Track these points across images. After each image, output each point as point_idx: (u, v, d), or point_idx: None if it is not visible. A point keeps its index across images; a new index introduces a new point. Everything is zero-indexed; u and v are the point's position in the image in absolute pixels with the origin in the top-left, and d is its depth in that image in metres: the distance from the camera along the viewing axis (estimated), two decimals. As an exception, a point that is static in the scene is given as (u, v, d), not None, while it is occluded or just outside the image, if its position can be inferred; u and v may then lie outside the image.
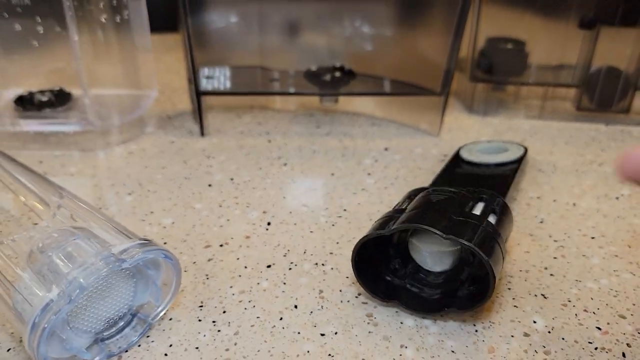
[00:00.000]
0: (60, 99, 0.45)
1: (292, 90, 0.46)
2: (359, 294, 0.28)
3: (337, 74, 0.45)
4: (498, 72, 0.50)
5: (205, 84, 0.45)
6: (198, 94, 0.44)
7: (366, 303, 0.28)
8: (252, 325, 0.26)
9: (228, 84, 0.46)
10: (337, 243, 0.32)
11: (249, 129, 0.47)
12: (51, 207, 0.27)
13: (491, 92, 0.50)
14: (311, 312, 0.27)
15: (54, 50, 0.43)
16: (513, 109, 0.51)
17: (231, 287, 0.29)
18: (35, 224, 0.31)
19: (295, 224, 0.34)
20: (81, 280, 0.21)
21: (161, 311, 0.25)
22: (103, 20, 0.40)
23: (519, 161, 0.38)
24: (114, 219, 0.33)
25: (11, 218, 0.35)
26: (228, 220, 0.35)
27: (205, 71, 0.46)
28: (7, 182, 0.32)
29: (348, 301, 0.28)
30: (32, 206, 0.31)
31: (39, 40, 0.41)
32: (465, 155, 0.39)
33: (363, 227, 0.34)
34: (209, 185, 0.38)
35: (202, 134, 0.45)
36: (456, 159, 0.39)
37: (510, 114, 0.50)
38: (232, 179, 0.39)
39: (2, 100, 0.44)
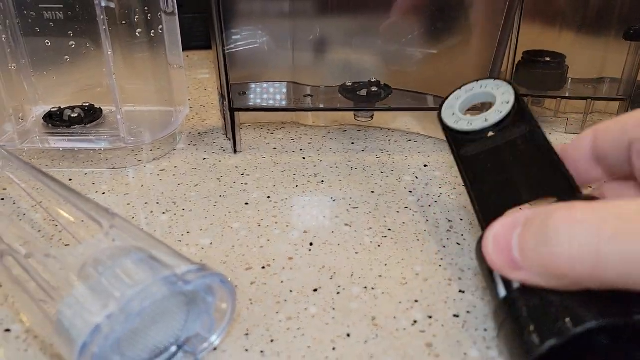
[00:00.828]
0: (89, 115, 0.44)
1: (326, 105, 0.45)
2: (415, 322, 0.27)
3: (374, 88, 0.44)
4: (536, 85, 0.48)
5: (238, 101, 0.44)
6: (231, 110, 0.42)
7: (424, 332, 0.26)
8: (303, 356, 0.25)
9: (260, 100, 0.45)
10: (385, 265, 0.31)
11: (282, 146, 0.45)
12: (104, 226, 0.26)
13: (530, 106, 0.48)
14: (365, 341, 0.25)
15: (84, 66, 0.42)
16: (553, 123, 0.49)
17: (277, 312, 0.27)
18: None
19: (339, 244, 0.33)
20: (139, 300, 0.20)
21: (213, 342, 0.24)
22: (137, 34, 0.39)
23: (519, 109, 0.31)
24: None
25: (61, 234, 0.33)
26: (268, 240, 0.33)
27: (236, 88, 0.45)
28: (54, 201, 0.31)
29: (404, 329, 0.26)
30: (83, 225, 0.30)
31: (70, 56, 0.40)
32: (450, 121, 0.32)
33: (411, 248, 0.32)
34: (246, 204, 0.37)
35: (235, 151, 0.44)
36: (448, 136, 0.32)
37: (549, 128, 0.48)
38: (269, 197, 0.38)
39: (31, 116, 0.44)
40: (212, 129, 0.49)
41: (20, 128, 0.42)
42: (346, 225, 0.35)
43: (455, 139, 0.31)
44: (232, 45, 0.43)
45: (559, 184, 0.27)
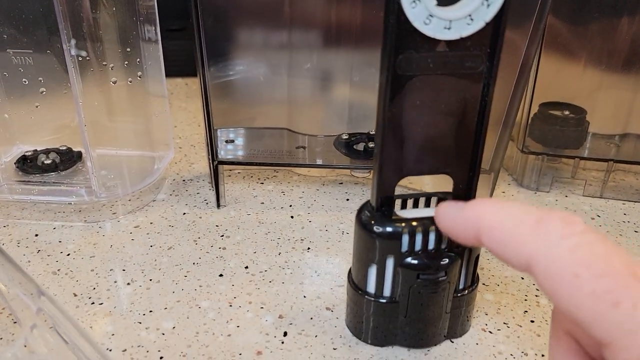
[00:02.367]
0: (65, 161, 0.41)
1: (319, 161, 0.41)
2: None
3: (372, 144, 0.40)
4: (553, 142, 0.44)
5: (224, 151, 0.40)
6: (215, 163, 0.39)
7: None
8: None
9: (250, 150, 0.41)
10: (365, 368, 0.27)
11: (271, 200, 0.42)
12: (23, 327, 0.23)
13: (544, 164, 0.44)
14: None
15: (61, 105, 0.39)
16: (570, 184, 0.45)
17: None
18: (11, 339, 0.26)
19: (316, 335, 0.29)
20: None
21: None
22: (112, 83, 0.36)
23: None
24: (108, 316, 0.29)
25: None
26: (238, 326, 0.30)
27: (224, 134, 0.42)
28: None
29: None
30: (10, 310, 0.27)
31: (40, 102, 0.37)
32: (412, 15, 0.22)
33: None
34: (220, 275, 0.33)
35: (218, 205, 0.41)
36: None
37: (566, 190, 0.44)
38: (246, 268, 0.34)
39: (3, 159, 0.41)
40: (198, 176, 0.46)
41: (-9, 171, 0.39)
42: (328, 309, 0.31)
43: (400, 41, 0.23)
44: (222, 80, 0.39)
45: (460, 167, 0.26)
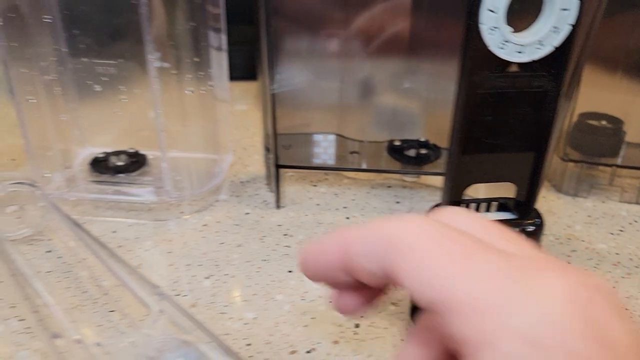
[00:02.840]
0: (134, 163, 0.44)
1: (372, 164, 0.44)
2: None
3: (423, 150, 0.43)
4: (590, 151, 0.46)
5: (282, 155, 0.43)
6: (277, 167, 0.42)
7: None
8: None
9: (306, 155, 0.44)
10: (434, 357, 0.30)
11: (326, 202, 0.45)
12: (152, 310, 0.26)
13: (583, 171, 0.46)
14: None
15: (131, 109, 0.42)
16: (607, 190, 0.47)
17: (323, 410, 0.27)
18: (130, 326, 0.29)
19: (385, 328, 0.32)
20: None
21: None
22: (185, 92, 0.39)
23: None
24: (194, 307, 0.31)
25: (106, 297, 0.33)
26: (313, 318, 0.32)
27: (281, 139, 0.44)
28: (101, 272, 0.30)
29: None
30: (131, 305, 0.30)
31: (121, 106, 0.40)
32: (490, 40, 0.25)
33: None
34: (289, 271, 0.36)
35: (278, 206, 0.43)
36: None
37: (604, 196, 0.47)
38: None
39: (77, 161, 0.44)
40: (254, 178, 0.48)
41: (67, 174, 0.42)
42: (393, 304, 0.34)
43: (477, 63, 0.26)
44: (279, 87, 0.42)
45: (524, 175, 0.29)
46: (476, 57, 0.26)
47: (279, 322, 0.32)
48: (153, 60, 0.36)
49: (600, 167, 0.47)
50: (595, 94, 0.46)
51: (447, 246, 0.15)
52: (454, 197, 0.29)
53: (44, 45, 0.38)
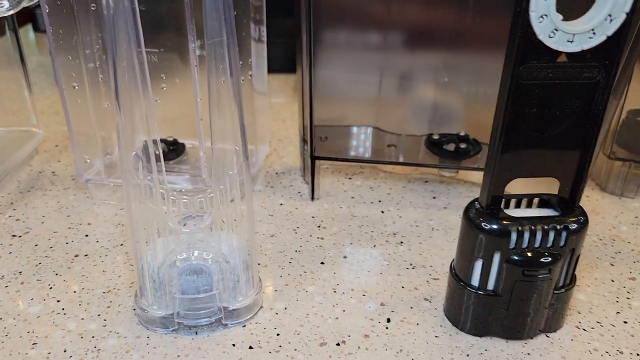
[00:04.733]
0: (173, 151, 0.44)
1: (410, 157, 0.43)
2: None
3: (462, 145, 0.42)
4: (639, 149, 0.44)
5: (318, 147, 0.43)
6: (312, 158, 0.42)
7: None
8: None
9: (342, 147, 0.43)
10: (468, 355, 0.29)
11: (361, 195, 0.44)
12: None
13: (631, 171, 0.44)
14: None
15: (170, 98, 0.42)
16: (655, 191, 0.45)
17: (352, 403, 0.26)
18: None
19: (417, 324, 0.31)
20: None
21: None
22: (222, 82, 0.39)
23: None
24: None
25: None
26: (343, 311, 0.32)
27: (318, 130, 0.44)
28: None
29: None
30: None
31: (162, 95, 0.41)
32: (539, 29, 0.24)
33: (497, 337, 0.30)
34: (322, 263, 0.36)
35: (312, 198, 0.43)
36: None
37: (652, 197, 0.45)
38: (345, 257, 0.37)
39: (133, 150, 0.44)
40: (289, 169, 0.48)
41: (107, 161, 0.43)
42: (426, 300, 0.33)
43: (525, 52, 0.25)
44: (318, 79, 0.42)
45: (568, 171, 0.28)
46: (524, 46, 0.25)
47: (309, 314, 0.32)
48: (194, 48, 0.36)
49: (650, 167, 0.45)
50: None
51: None
52: (494, 192, 0.28)
53: (89, 33, 0.38)
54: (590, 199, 0.44)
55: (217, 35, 0.26)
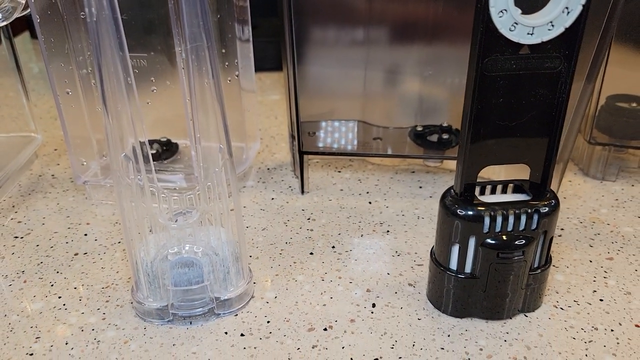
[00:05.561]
0: (166, 151, 0.46)
1: (395, 149, 0.44)
2: (476, 407, 0.26)
3: (445, 135, 0.43)
4: (619, 134, 0.45)
5: (306, 142, 0.44)
6: (301, 153, 0.43)
7: (485, 420, 0.26)
8: None
9: (330, 141, 0.45)
10: (448, 336, 0.30)
11: (349, 187, 0.46)
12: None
13: (611, 154, 0.46)
14: None
15: (161, 100, 0.44)
16: (636, 174, 0.46)
17: (337, 383, 0.28)
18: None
19: (401, 308, 0.33)
20: None
21: None
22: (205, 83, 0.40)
23: None
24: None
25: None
26: (331, 298, 0.33)
27: (306, 126, 0.46)
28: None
29: (465, 416, 0.26)
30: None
31: (152, 97, 0.42)
32: (499, 23, 0.25)
33: (475, 318, 0.32)
34: (311, 254, 0.37)
35: (302, 191, 0.45)
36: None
37: (632, 180, 0.46)
38: (333, 247, 0.38)
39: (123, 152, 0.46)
40: (280, 165, 0.50)
41: (103, 162, 0.44)
42: (410, 285, 0.34)
43: (487, 46, 0.26)
44: (303, 76, 0.43)
45: (537, 157, 0.29)
46: (487, 40, 0.26)
47: (298, 302, 0.33)
48: (180, 52, 0.37)
49: (630, 150, 0.47)
50: (626, 75, 0.45)
51: None
52: (467, 180, 0.29)
53: (79, 41, 0.40)
54: (573, 184, 0.46)
55: (197, 40, 0.27)
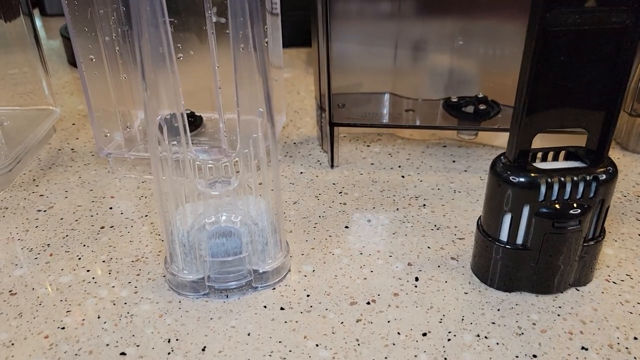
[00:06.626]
0: (191, 124, 0.44)
1: (427, 121, 0.43)
2: (536, 382, 0.25)
3: (482, 106, 0.41)
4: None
5: (336, 115, 0.42)
6: (331, 125, 0.41)
7: (547, 396, 0.24)
8: (416, 411, 0.24)
9: (360, 114, 0.43)
10: (498, 310, 0.29)
11: (380, 161, 0.44)
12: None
13: (651, 129, 0.44)
14: (483, 400, 0.24)
15: (186, 72, 0.42)
16: (677, 148, 0.45)
17: (386, 358, 0.26)
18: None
19: (446, 281, 0.31)
20: None
21: None
22: (240, 49, 0.39)
23: None
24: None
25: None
26: (371, 271, 0.32)
27: (335, 98, 0.44)
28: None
29: (525, 391, 0.24)
30: None
31: (178, 65, 0.41)
32: None
33: (526, 292, 0.30)
34: (346, 227, 0.36)
35: (332, 165, 0.43)
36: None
37: (674, 154, 0.44)
38: (369, 221, 0.37)
39: (136, 123, 0.44)
40: (307, 139, 0.48)
41: (127, 134, 0.43)
42: (453, 259, 0.33)
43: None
44: (334, 49, 0.41)
45: (596, 121, 0.27)
46: None
47: (337, 275, 0.32)
48: (210, 15, 0.36)
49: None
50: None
51: None
52: (522, 146, 0.28)
53: (104, 5, 0.38)
54: (611, 157, 0.44)
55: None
